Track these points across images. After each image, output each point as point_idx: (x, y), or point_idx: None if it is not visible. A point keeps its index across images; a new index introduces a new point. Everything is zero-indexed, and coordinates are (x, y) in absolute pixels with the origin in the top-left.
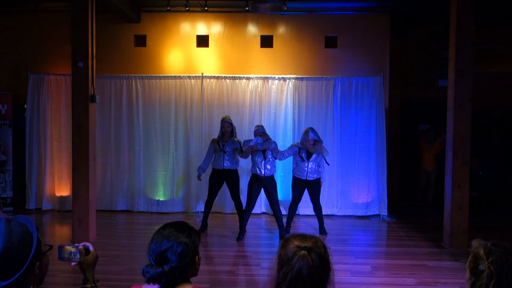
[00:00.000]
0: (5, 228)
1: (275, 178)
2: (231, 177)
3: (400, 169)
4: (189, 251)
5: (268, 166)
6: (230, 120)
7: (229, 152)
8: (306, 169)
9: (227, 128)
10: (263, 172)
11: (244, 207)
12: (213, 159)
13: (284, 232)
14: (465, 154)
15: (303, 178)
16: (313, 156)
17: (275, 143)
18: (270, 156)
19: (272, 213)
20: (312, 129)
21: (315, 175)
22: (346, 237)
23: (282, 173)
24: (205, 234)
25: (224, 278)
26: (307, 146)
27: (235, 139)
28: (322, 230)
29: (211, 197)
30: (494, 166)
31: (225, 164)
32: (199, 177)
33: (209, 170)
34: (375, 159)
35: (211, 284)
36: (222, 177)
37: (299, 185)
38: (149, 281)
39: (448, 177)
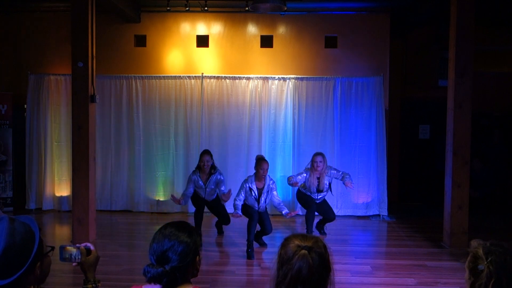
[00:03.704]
0: (8, 227)
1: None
2: (213, 202)
3: (400, 169)
4: (190, 250)
5: (261, 207)
6: (211, 154)
7: (209, 190)
8: (316, 196)
9: (207, 162)
10: (257, 209)
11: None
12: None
13: (252, 252)
14: (465, 154)
15: (314, 197)
16: (324, 187)
17: (278, 199)
18: (265, 201)
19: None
20: (319, 154)
21: (324, 197)
22: (346, 237)
23: (282, 173)
24: (205, 234)
25: (224, 278)
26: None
27: (217, 172)
28: (321, 230)
29: (199, 209)
30: (494, 166)
31: (206, 197)
32: (178, 201)
33: None
34: (375, 159)
35: (211, 284)
36: (203, 201)
37: (307, 197)
38: (150, 280)
39: (448, 177)
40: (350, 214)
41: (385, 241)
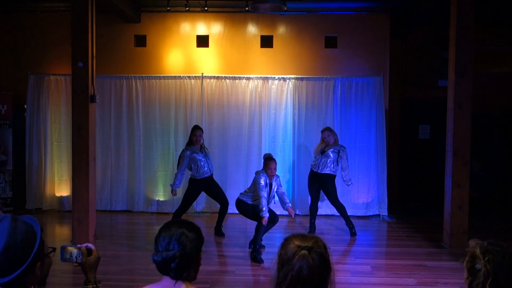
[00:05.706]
0: (10, 225)
1: None
2: (211, 180)
3: (400, 169)
4: (195, 242)
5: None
6: (202, 130)
7: (209, 156)
8: (319, 162)
9: (199, 137)
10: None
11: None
12: (196, 169)
13: (258, 256)
14: (465, 154)
15: (315, 170)
16: (328, 152)
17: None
18: (273, 196)
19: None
20: (327, 129)
21: (327, 170)
22: (346, 237)
23: (282, 173)
24: (205, 234)
25: (224, 278)
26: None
27: (206, 149)
28: (352, 231)
29: (186, 207)
30: (494, 167)
31: (212, 168)
32: (174, 193)
33: (185, 182)
34: (375, 159)
35: (211, 284)
36: (204, 185)
37: (312, 182)
38: (161, 264)
39: (448, 177)
40: (350, 214)
41: (385, 241)
